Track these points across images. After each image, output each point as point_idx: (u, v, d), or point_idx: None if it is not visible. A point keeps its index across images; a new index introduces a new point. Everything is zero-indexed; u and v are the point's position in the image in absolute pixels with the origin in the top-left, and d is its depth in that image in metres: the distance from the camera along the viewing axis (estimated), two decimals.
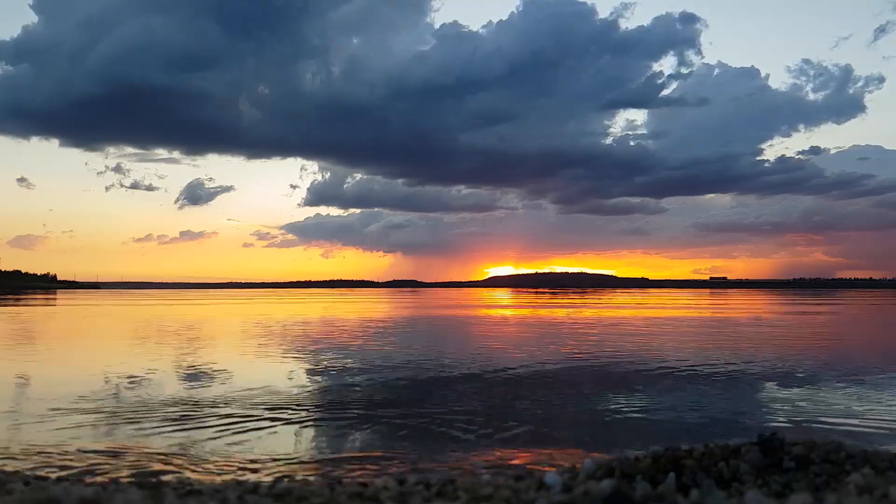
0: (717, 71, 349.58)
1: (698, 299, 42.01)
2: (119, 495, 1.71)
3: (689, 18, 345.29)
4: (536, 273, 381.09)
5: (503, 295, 58.47)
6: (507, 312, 24.53)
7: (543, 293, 68.18)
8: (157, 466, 3.60)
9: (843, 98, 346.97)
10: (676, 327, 15.37)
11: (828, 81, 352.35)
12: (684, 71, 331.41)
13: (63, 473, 2.78)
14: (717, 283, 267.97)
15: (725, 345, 10.85)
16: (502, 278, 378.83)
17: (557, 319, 18.67)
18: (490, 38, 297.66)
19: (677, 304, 32.95)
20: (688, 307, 28.64)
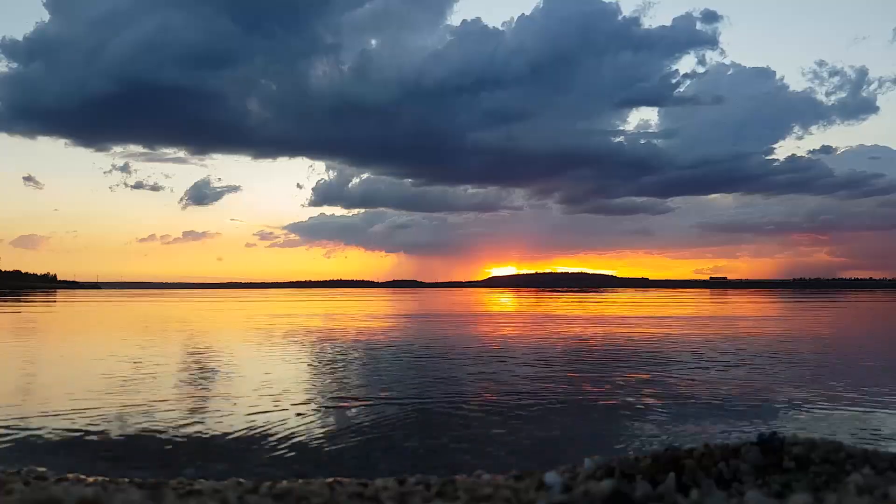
0: (731, 71, 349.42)
1: (668, 302, 42.00)
2: (119, 495, 1.71)
3: (710, 17, 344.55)
4: (536, 273, 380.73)
5: (484, 298, 58.39)
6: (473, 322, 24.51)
7: (533, 294, 68.12)
8: (158, 466, 3.60)
9: (856, 99, 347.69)
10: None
11: (843, 83, 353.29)
12: (700, 70, 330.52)
13: (63, 473, 2.78)
14: (717, 284, 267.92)
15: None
16: (502, 278, 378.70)
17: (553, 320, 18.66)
18: (511, 35, 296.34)
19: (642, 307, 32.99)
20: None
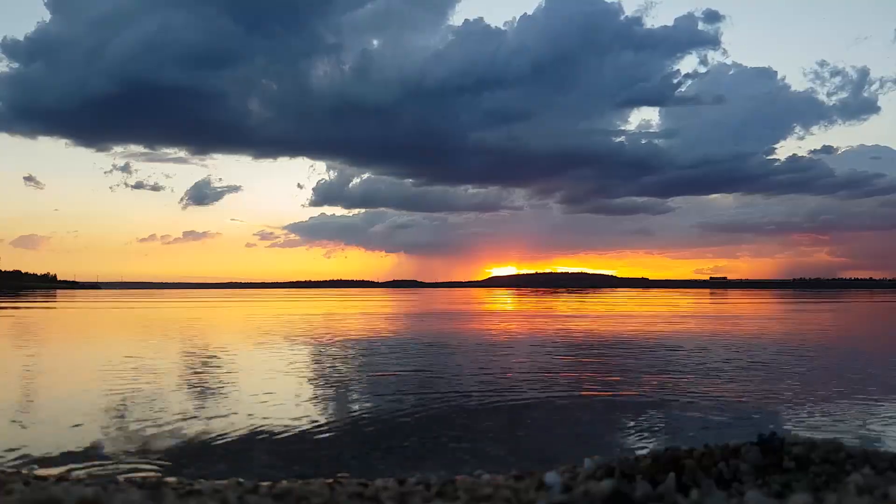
0: (732, 71, 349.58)
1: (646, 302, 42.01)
2: (119, 495, 1.71)
3: (712, 17, 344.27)
4: (536, 273, 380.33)
5: (485, 298, 58.41)
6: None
7: (529, 294, 68.15)
8: (158, 466, 3.60)
9: (857, 100, 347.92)
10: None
11: (844, 83, 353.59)
12: (702, 70, 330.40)
13: (63, 473, 2.78)
14: (717, 284, 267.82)
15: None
16: (502, 278, 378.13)
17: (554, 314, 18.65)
18: (513, 35, 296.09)
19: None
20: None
